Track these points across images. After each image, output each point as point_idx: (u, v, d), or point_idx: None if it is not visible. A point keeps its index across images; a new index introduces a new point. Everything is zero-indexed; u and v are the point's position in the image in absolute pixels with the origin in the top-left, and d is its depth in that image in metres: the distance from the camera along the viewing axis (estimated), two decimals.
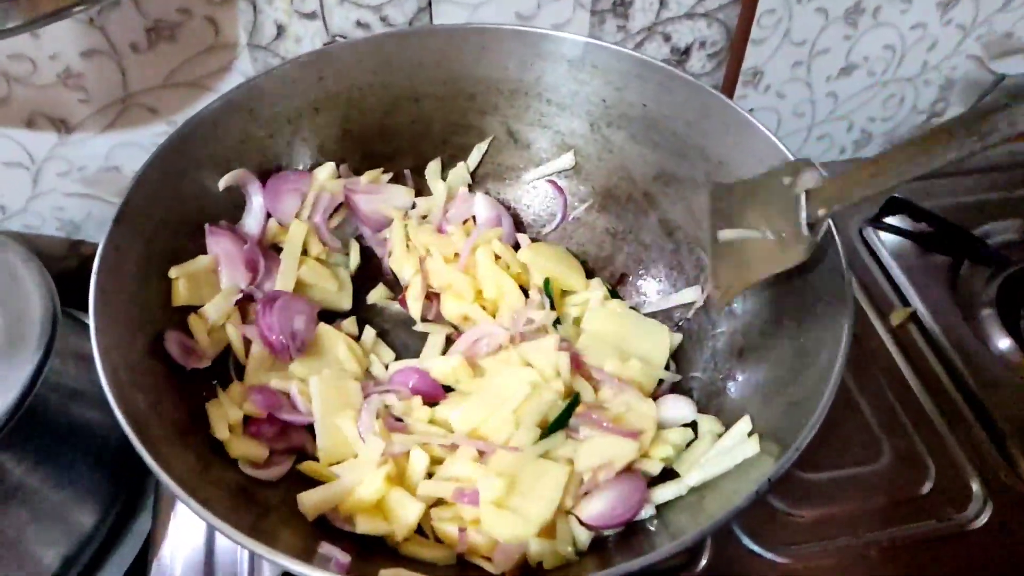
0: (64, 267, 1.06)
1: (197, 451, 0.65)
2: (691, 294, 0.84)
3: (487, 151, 0.93)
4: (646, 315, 0.87)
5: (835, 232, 0.68)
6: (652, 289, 0.89)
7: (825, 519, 0.81)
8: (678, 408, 0.74)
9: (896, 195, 1.06)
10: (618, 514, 0.65)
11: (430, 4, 0.93)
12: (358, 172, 0.89)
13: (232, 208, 0.83)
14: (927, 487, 0.84)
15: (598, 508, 0.65)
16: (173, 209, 0.76)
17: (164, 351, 0.71)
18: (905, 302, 1.00)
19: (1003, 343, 0.97)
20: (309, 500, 0.67)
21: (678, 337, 0.83)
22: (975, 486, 0.83)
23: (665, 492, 0.66)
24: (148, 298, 0.72)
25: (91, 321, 0.62)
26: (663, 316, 0.86)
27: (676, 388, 0.80)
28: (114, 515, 0.84)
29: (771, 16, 1.06)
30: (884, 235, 1.06)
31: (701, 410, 0.75)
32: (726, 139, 0.80)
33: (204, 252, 0.79)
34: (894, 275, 1.02)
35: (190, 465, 0.62)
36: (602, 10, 0.99)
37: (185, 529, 0.80)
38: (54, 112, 0.91)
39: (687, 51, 1.07)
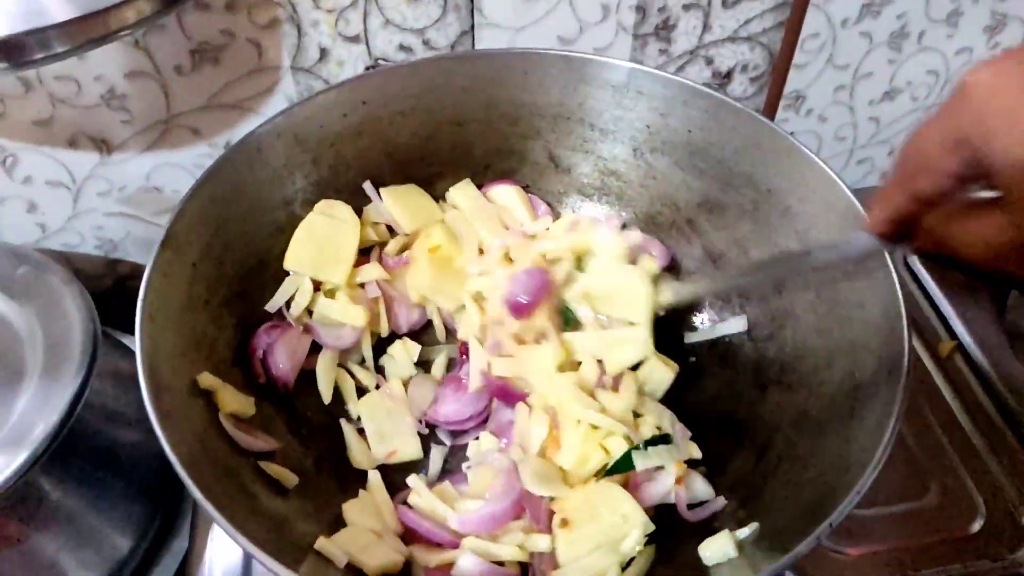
0: (101, 285, 1.06)
1: (240, 482, 0.65)
2: (737, 324, 0.83)
3: (527, 174, 0.93)
4: (689, 344, 0.85)
5: (891, 266, 0.67)
6: (697, 319, 0.87)
7: (870, 557, 0.80)
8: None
9: None
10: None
11: (473, 28, 0.93)
12: None
13: (276, 233, 0.82)
14: (977, 525, 0.82)
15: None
16: (218, 235, 0.75)
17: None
18: (952, 334, 0.98)
19: None
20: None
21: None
22: None
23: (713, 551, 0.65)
24: (193, 324, 0.71)
25: (137, 347, 0.62)
26: (708, 346, 0.85)
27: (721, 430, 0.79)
28: (151, 537, 0.84)
29: (815, 40, 1.04)
30: (930, 265, 1.04)
31: (756, 449, 0.73)
32: (775, 167, 0.78)
33: (249, 282, 0.79)
34: (940, 306, 1.00)
35: (234, 496, 0.61)
36: (644, 34, 0.98)
37: (222, 552, 0.79)
38: (96, 132, 0.91)
39: (729, 75, 1.06)
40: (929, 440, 0.88)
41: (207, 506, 0.54)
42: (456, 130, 0.89)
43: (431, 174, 0.90)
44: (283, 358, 0.77)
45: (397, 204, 0.86)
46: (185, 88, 0.90)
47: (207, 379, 0.68)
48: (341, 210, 0.83)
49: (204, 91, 0.90)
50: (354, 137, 0.85)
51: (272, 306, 0.80)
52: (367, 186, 0.86)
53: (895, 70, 1.12)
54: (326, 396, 0.80)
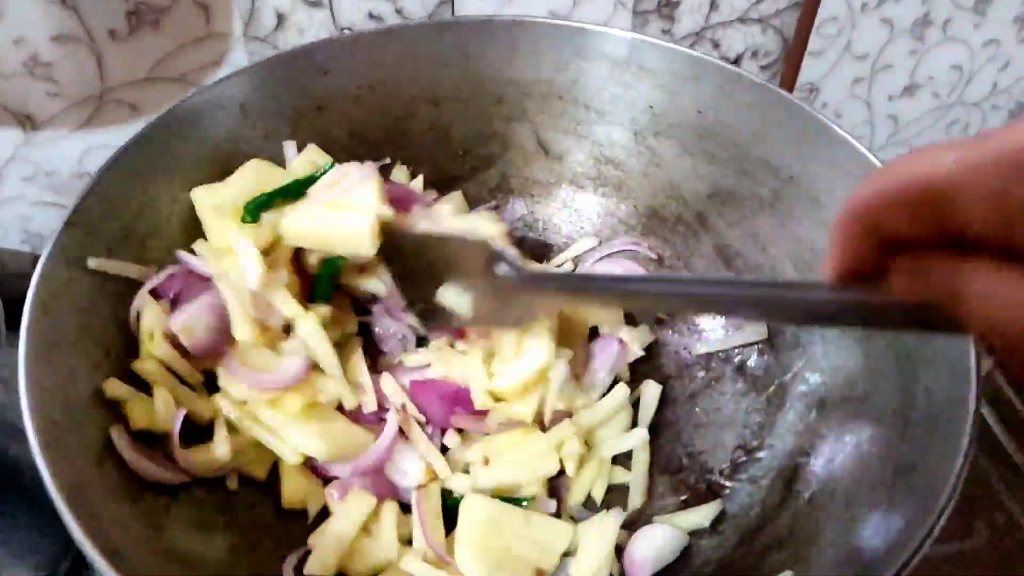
0: (27, 286, 0.94)
1: (146, 512, 0.52)
2: (755, 332, 0.72)
3: (513, 162, 0.81)
4: (699, 356, 0.74)
5: None
6: (708, 325, 0.76)
7: None
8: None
9: None
10: None
11: None
12: None
13: None
14: None
15: None
16: (142, 218, 0.63)
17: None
18: (992, 349, 0.87)
19: None
20: None
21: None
22: None
23: None
24: (105, 323, 0.59)
25: (22, 348, 0.50)
26: (722, 357, 0.73)
27: (750, 456, 0.67)
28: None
29: (832, 25, 0.95)
30: None
31: (783, 481, 0.62)
32: (799, 150, 0.68)
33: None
34: None
35: (136, 534, 0.49)
36: (645, 11, 0.88)
37: None
38: (18, 106, 0.79)
39: (737, 61, 0.96)
40: (972, 471, 0.76)
41: (87, 547, 0.42)
42: (432, 109, 0.78)
43: (403, 159, 0.79)
44: (198, 314, 0.61)
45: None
46: (121, 57, 0.78)
47: (115, 387, 0.56)
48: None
49: (143, 61, 0.79)
50: (313, 112, 0.74)
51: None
52: (287, 146, 0.73)
53: (917, 62, 1.03)
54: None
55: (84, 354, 0.55)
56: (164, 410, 0.58)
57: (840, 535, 0.53)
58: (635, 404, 0.71)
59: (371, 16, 0.82)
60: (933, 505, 0.44)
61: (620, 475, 0.68)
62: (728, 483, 0.66)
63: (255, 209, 0.64)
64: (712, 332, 0.75)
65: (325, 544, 0.57)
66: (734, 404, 0.71)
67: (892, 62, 1.02)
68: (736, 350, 0.73)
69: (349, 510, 0.59)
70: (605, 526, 0.61)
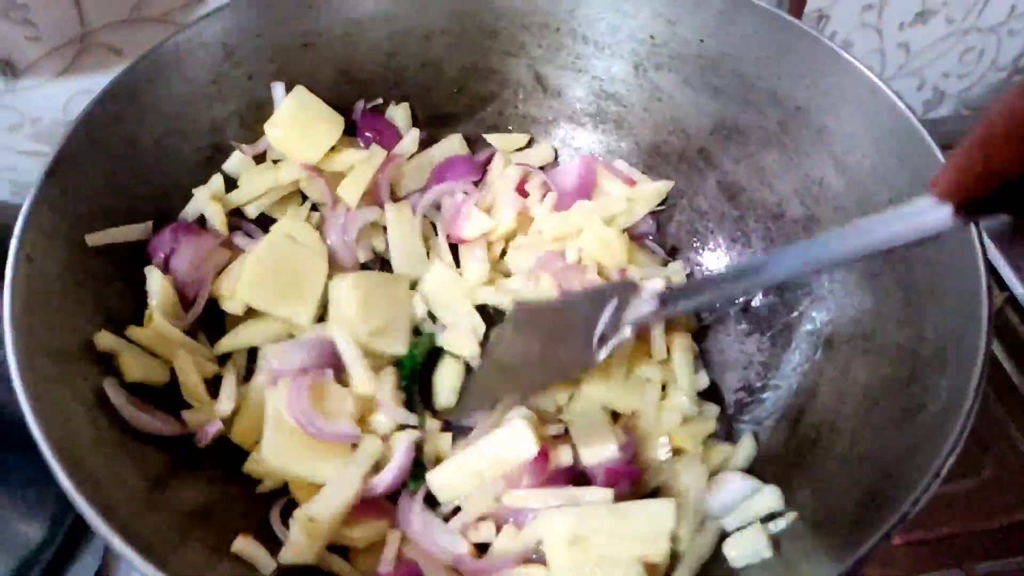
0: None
1: (149, 470, 0.51)
2: None
3: (509, 99, 0.79)
4: None
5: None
6: (713, 264, 0.74)
7: (919, 547, 0.67)
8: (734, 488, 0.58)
9: None
10: None
11: None
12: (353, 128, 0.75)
13: (204, 164, 0.68)
14: None
15: None
16: (126, 164, 0.62)
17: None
18: (1002, 285, 0.85)
19: None
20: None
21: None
22: None
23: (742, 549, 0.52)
24: (91, 272, 0.57)
25: (6, 299, 0.48)
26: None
27: (751, 395, 0.65)
28: (67, 528, 0.71)
29: None
30: None
31: (788, 422, 0.60)
32: (806, 79, 0.65)
33: (161, 218, 0.64)
34: (988, 254, 0.86)
35: (137, 492, 0.48)
36: None
37: None
38: None
39: None
40: (982, 407, 0.75)
41: (82, 505, 0.41)
42: (424, 44, 0.75)
43: (395, 98, 0.76)
44: (185, 264, 0.63)
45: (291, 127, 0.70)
46: None
47: (106, 339, 0.55)
48: (304, 233, 0.69)
49: (125, 1, 0.76)
50: (300, 50, 0.71)
51: (186, 215, 0.67)
52: (276, 87, 0.71)
53: None
54: None
55: (73, 305, 0.54)
56: (190, 378, 0.59)
57: (847, 476, 0.51)
58: None
59: None
60: (941, 446, 0.43)
61: None
62: (734, 424, 0.65)
63: None
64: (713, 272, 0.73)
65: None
66: (739, 345, 0.69)
67: None
68: None
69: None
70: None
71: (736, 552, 0.51)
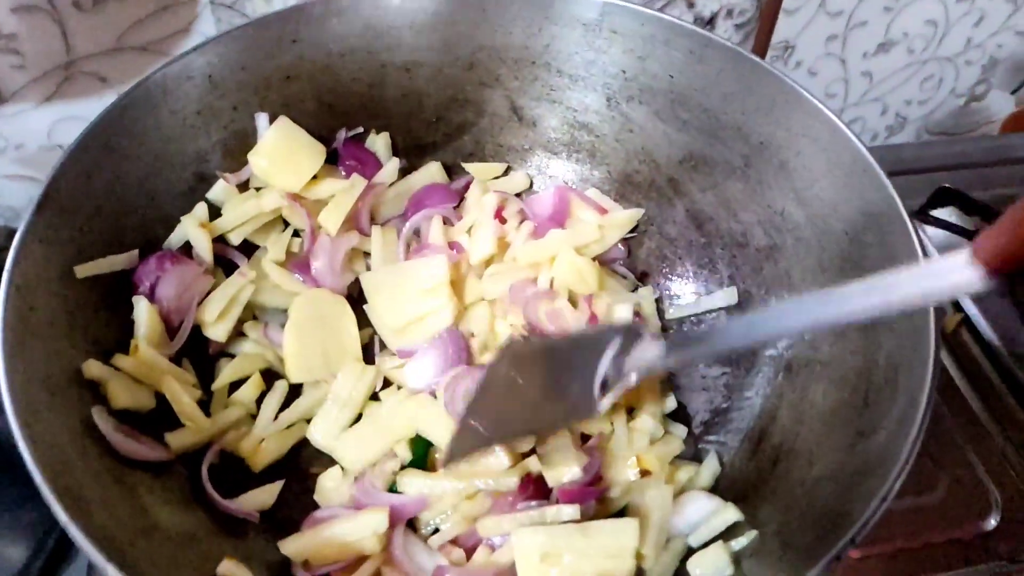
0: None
1: (137, 496, 0.53)
2: (725, 297, 0.73)
3: (487, 129, 0.81)
4: (673, 320, 0.76)
5: (910, 227, 0.57)
6: (680, 290, 0.77)
7: (875, 560, 0.70)
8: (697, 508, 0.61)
9: (946, 185, 0.95)
10: None
11: None
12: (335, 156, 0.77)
13: (188, 193, 0.70)
14: (992, 521, 0.73)
15: None
16: (113, 195, 0.63)
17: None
18: (957, 306, 0.88)
19: None
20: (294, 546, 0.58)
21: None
22: None
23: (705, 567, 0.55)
24: (80, 301, 0.59)
25: None
26: (693, 323, 0.75)
27: (715, 418, 0.68)
28: (50, 549, 0.72)
29: None
30: (932, 230, 0.94)
31: (751, 443, 0.63)
32: (769, 115, 0.68)
33: (146, 246, 0.66)
34: None
35: (126, 517, 0.50)
36: None
37: None
38: None
39: (712, 20, 0.95)
40: (937, 426, 0.79)
41: (70, 527, 0.43)
42: (404, 75, 0.77)
43: (376, 127, 0.79)
44: (170, 292, 0.65)
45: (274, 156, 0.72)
46: (87, 27, 0.77)
47: (94, 368, 0.56)
48: (327, 305, 0.72)
49: (109, 31, 0.78)
50: (283, 82, 0.73)
51: (171, 243, 0.69)
52: (259, 117, 0.73)
53: (892, 19, 1.03)
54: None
55: (62, 334, 0.56)
56: (182, 399, 0.62)
57: (805, 495, 0.54)
58: None
59: None
60: (890, 469, 0.46)
61: None
62: (699, 444, 0.68)
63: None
64: (684, 298, 0.76)
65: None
66: (704, 369, 0.72)
67: (867, 18, 1.02)
68: (707, 315, 0.74)
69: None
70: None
71: (699, 570, 0.54)
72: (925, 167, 1.08)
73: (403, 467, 0.65)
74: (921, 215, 0.95)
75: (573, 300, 0.73)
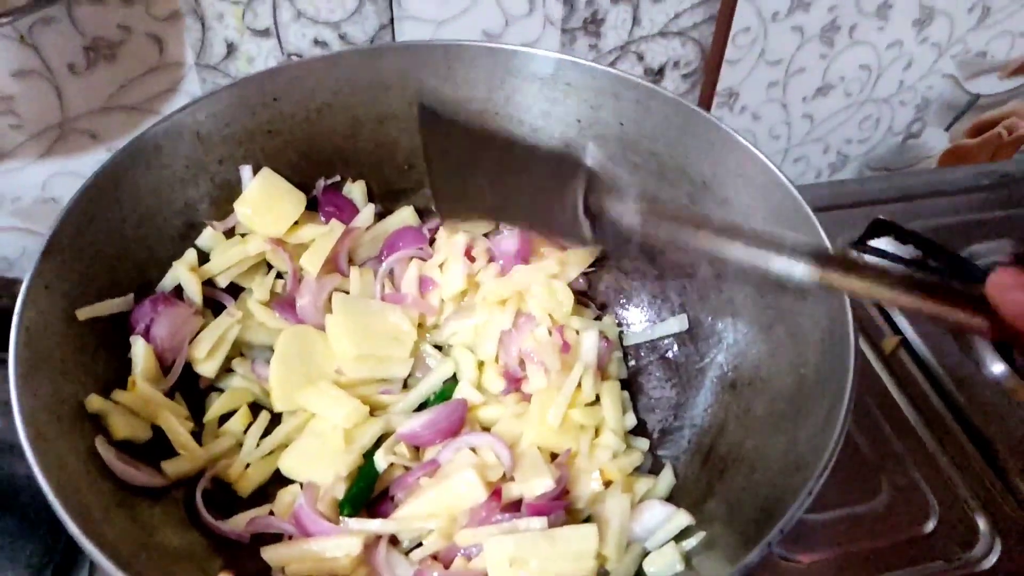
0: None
1: (138, 516, 0.58)
2: (676, 323, 0.79)
3: None
4: (631, 346, 0.82)
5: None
6: (636, 319, 0.83)
7: (823, 563, 0.76)
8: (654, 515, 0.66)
9: (881, 217, 1.03)
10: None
11: (392, 21, 0.88)
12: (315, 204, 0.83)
13: (179, 240, 0.76)
14: (931, 525, 0.79)
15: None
16: (110, 243, 0.69)
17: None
18: (896, 329, 0.96)
19: (997, 368, 0.93)
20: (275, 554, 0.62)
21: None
22: (981, 523, 0.78)
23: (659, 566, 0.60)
24: (81, 341, 0.64)
25: (11, 367, 0.55)
26: (648, 347, 0.81)
27: (670, 432, 0.74)
28: None
29: (746, 35, 1.02)
30: (870, 259, 1.01)
31: (701, 455, 0.69)
32: (709, 157, 0.75)
33: (141, 289, 0.72)
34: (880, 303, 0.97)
35: (129, 534, 0.54)
36: (573, 28, 0.95)
37: None
38: None
39: (661, 71, 1.03)
40: (878, 439, 0.85)
41: (83, 541, 0.47)
42: (377, 128, 0.84)
43: (352, 175, 0.85)
44: (164, 332, 0.70)
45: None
46: (80, 88, 0.83)
47: (96, 402, 0.61)
48: (310, 339, 0.76)
49: (101, 92, 0.84)
50: (265, 136, 0.79)
51: (164, 286, 0.74)
52: (244, 169, 0.79)
53: (827, 65, 1.11)
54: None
55: (67, 371, 0.61)
56: (177, 430, 0.66)
57: (747, 498, 0.60)
58: None
59: (316, 42, 0.87)
60: (812, 472, 0.52)
61: None
62: (656, 458, 0.74)
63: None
64: (640, 325, 0.83)
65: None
66: (660, 390, 0.78)
67: (805, 66, 1.10)
68: (661, 341, 0.80)
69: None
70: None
71: (654, 569, 0.59)
72: (867, 200, 1.17)
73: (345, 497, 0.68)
74: (860, 245, 1.03)
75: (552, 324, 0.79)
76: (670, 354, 0.80)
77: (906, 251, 1.02)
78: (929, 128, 1.27)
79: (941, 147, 1.29)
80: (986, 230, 1.07)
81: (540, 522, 0.61)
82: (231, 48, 0.85)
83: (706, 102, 1.09)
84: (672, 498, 0.68)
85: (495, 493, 0.64)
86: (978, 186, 1.16)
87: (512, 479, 0.66)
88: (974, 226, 1.08)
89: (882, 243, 1.03)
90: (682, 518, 0.63)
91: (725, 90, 1.08)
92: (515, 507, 0.65)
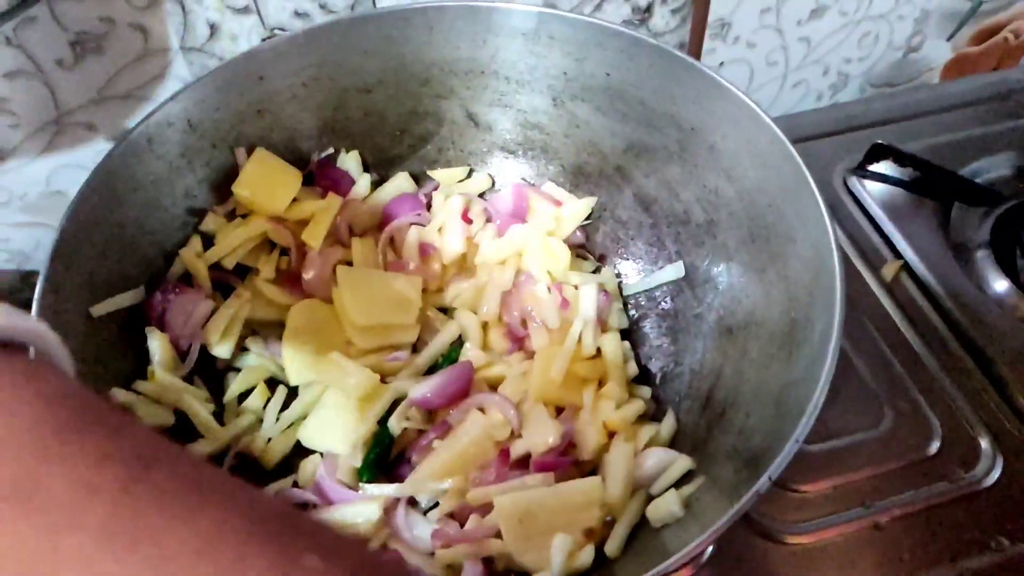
0: (18, 300, 1.01)
1: None
2: (673, 271, 0.80)
3: (446, 136, 0.88)
4: (630, 295, 0.83)
5: (817, 195, 0.64)
6: (633, 268, 0.85)
7: (830, 492, 0.78)
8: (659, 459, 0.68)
9: (879, 141, 1.02)
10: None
11: None
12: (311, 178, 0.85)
13: (182, 227, 0.78)
14: (934, 447, 0.81)
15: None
16: (116, 239, 0.71)
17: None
18: (896, 253, 0.96)
19: (1000, 285, 0.93)
20: None
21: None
22: (983, 441, 0.80)
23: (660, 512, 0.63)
24: (98, 337, 0.67)
25: None
26: (647, 296, 0.83)
27: (671, 379, 0.76)
28: None
29: None
30: (870, 184, 1.01)
31: (700, 401, 0.71)
32: (696, 104, 0.75)
33: (150, 281, 0.74)
34: (883, 226, 0.98)
35: None
36: None
37: None
38: None
39: (649, 8, 1.02)
40: (881, 366, 0.87)
41: None
42: (365, 97, 0.84)
43: (344, 146, 0.86)
44: (178, 320, 0.73)
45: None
46: (71, 83, 0.84)
47: (119, 395, 0.64)
48: (319, 312, 0.79)
49: (92, 84, 0.85)
50: (255, 116, 0.80)
51: (172, 275, 0.77)
52: (238, 151, 0.80)
53: None
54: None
55: (88, 366, 0.64)
56: (199, 413, 0.70)
57: (743, 442, 0.63)
58: None
59: (297, 14, 0.87)
60: (802, 412, 0.54)
61: None
62: (659, 405, 0.76)
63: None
64: (635, 275, 0.84)
65: None
66: (660, 338, 0.80)
67: None
68: (659, 289, 0.82)
69: None
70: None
71: (656, 515, 0.62)
72: (869, 122, 1.15)
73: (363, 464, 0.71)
74: (859, 170, 1.02)
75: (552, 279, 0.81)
76: (668, 301, 0.81)
77: (905, 173, 1.01)
78: (930, 41, 1.24)
79: (944, 59, 1.27)
80: (987, 145, 1.05)
81: (547, 478, 0.64)
82: (214, 28, 0.85)
83: (698, 35, 1.07)
84: (674, 444, 0.71)
85: (503, 452, 0.67)
86: (982, 98, 1.14)
87: (520, 436, 0.69)
88: (976, 141, 1.06)
89: (882, 167, 1.02)
90: (684, 463, 0.66)
91: (717, 21, 1.06)
92: (523, 464, 0.67)
